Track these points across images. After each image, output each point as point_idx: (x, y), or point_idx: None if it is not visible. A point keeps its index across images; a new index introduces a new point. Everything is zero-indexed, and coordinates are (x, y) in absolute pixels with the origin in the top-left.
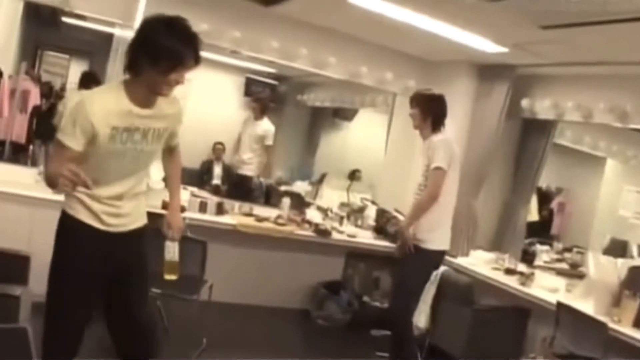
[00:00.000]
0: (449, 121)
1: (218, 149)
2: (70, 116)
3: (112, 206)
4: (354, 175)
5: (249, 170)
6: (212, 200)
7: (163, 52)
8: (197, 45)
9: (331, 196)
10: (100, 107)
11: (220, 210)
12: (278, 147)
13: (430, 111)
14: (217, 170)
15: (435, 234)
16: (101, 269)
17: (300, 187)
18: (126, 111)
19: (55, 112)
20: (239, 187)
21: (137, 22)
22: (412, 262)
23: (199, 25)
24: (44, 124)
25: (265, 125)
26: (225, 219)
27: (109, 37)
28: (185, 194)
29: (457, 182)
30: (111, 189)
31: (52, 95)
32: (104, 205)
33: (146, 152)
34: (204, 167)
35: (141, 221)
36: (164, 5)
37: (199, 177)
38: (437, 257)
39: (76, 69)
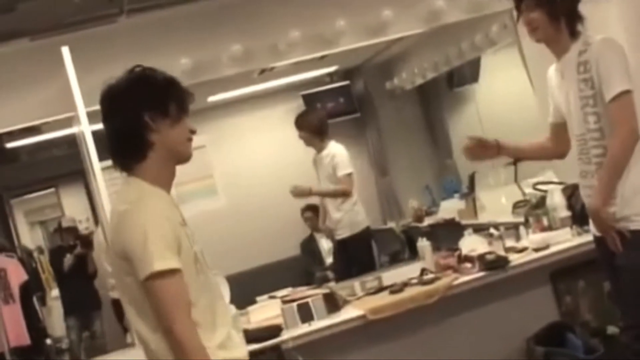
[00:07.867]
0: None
1: (308, 218)
2: (149, 238)
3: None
4: None
5: (348, 227)
6: (316, 296)
7: (164, 97)
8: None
9: (496, 201)
10: (161, 207)
11: (333, 304)
12: (395, 171)
13: (561, 5)
14: (326, 245)
15: None
16: None
17: (449, 208)
18: (170, 201)
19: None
20: (348, 259)
21: (82, 107)
22: (627, 257)
23: (180, 61)
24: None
25: (331, 151)
26: (346, 314)
27: (71, 140)
28: (274, 307)
29: None
30: (228, 312)
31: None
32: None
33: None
34: (307, 251)
35: None
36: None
37: (304, 270)
38: None
39: (73, 200)
